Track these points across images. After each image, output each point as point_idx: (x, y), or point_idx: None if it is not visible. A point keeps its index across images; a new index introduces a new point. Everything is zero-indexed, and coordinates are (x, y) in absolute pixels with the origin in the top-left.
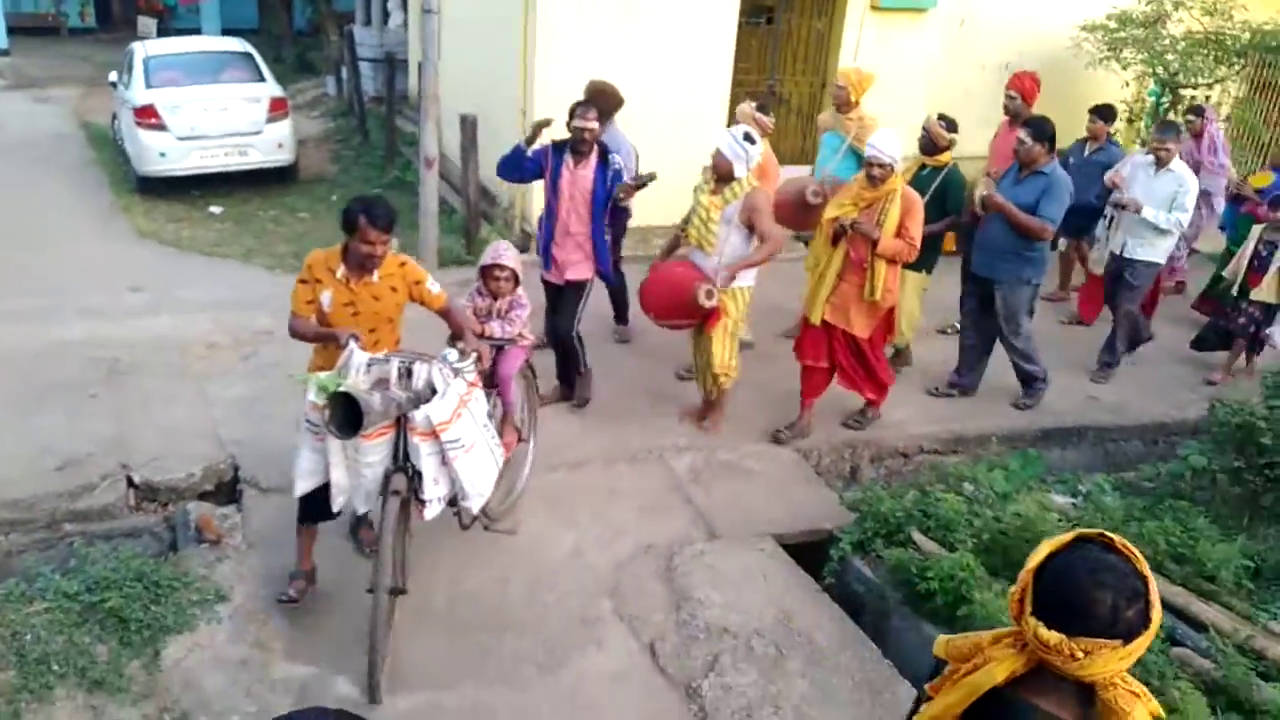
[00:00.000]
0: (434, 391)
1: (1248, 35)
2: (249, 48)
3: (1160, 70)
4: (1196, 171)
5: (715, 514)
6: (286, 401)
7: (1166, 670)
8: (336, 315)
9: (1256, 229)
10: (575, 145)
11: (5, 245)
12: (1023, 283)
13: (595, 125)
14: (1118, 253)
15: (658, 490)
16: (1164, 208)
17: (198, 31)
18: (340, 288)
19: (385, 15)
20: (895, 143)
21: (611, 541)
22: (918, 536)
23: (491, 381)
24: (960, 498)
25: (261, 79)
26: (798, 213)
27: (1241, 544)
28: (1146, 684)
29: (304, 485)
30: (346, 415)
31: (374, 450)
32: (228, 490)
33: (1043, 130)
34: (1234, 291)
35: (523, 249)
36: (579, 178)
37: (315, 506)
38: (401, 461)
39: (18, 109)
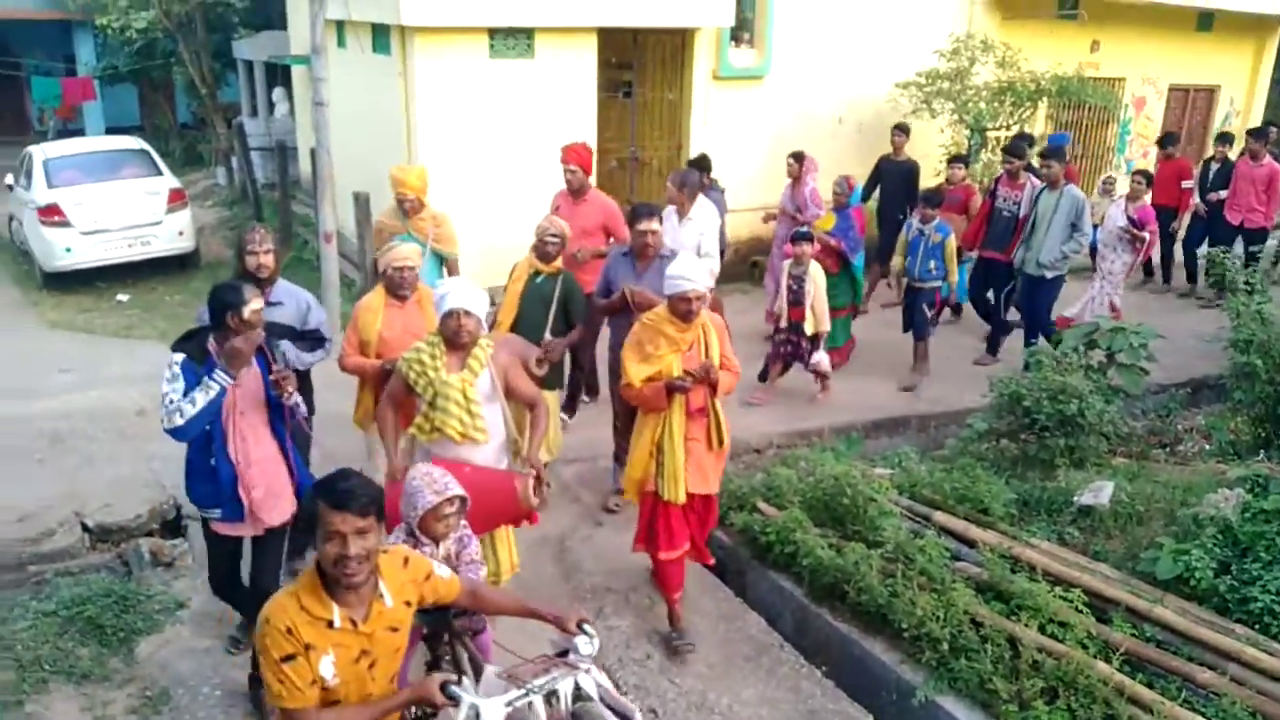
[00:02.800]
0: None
1: (1034, 84)
2: (144, 144)
3: (967, 117)
4: (798, 217)
5: (600, 509)
6: None
7: (947, 577)
8: (347, 680)
9: (785, 264)
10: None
11: None
12: None
13: (260, 305)
14: None
15: (552, 494)
16: (694, 250)
17: (82, 132)
18: (346, 638)
19: (270, 106)
20: (701, 266)
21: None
22: (761, 505)
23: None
24: (792, 471)
25: (159, 172)
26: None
27: (1012, 485)
28: (932, 591)
29: None
30: None
31: None
32: (172, 527)
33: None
34: (782, 323)
35: None
36: (243, 382)
37: None
38: None
39: None
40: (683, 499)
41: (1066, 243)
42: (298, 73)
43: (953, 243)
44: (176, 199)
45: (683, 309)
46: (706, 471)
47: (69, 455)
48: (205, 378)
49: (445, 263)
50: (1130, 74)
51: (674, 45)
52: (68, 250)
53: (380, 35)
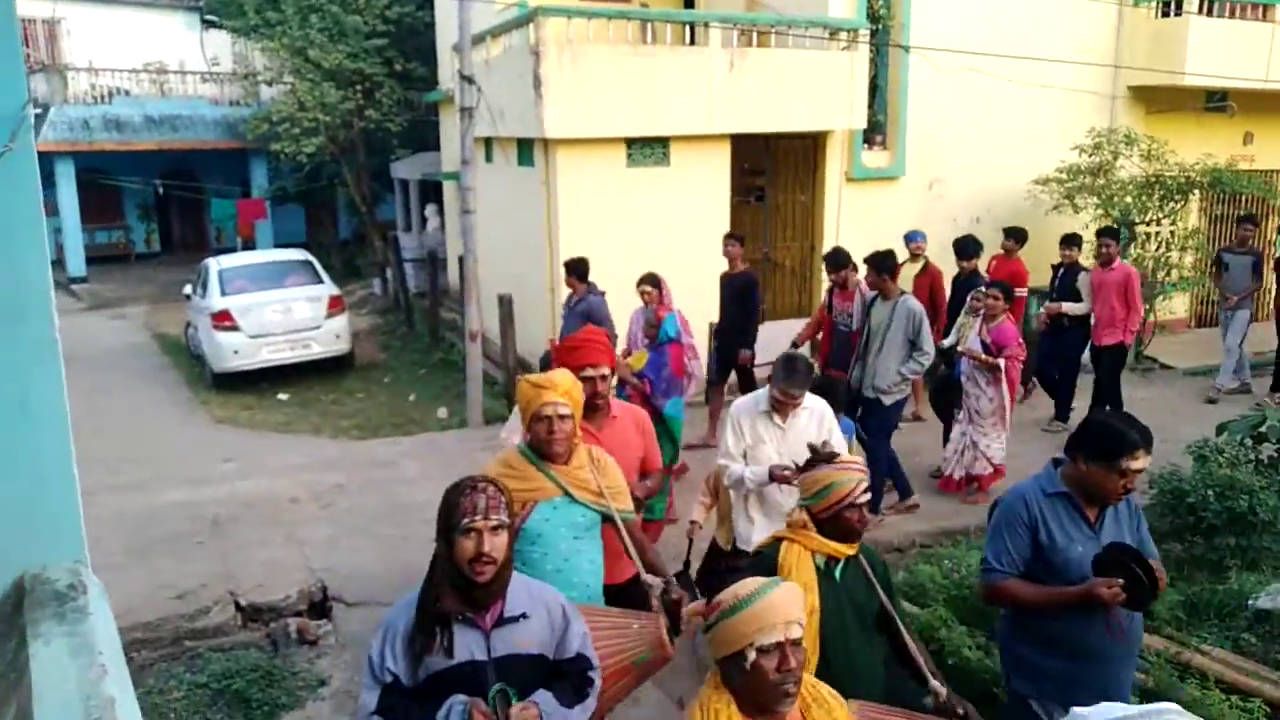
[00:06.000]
0: None
1: (1184, 176)
2: (308, 256)
3: (1114, 211)
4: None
5: None
6: (361, 536)
7: None
8: None
9: None
10: None
11: (104, 435)
12: None
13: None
14: None
15: None
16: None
17: (252, 248)
18: None
19: (423, 221)
20: None
21: None
22: (902, 603)
23: None
24: (935, 569)
25: (320, 281)
26: None
27: (1178, 587)
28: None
29: None
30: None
31: None
32: (318, 608)
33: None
34: None
35: None
36: None
37: None
38: None
39: (98, 325)
40: None
41: (905, 363)
42: (448, 188)
43: None
44: (335, 305)
45: None
46: None
47: (226, 538)
48: None
49: (616, 529)
50: None
51: (806, 149)
52: (236, 353)
53: (525, 149)
